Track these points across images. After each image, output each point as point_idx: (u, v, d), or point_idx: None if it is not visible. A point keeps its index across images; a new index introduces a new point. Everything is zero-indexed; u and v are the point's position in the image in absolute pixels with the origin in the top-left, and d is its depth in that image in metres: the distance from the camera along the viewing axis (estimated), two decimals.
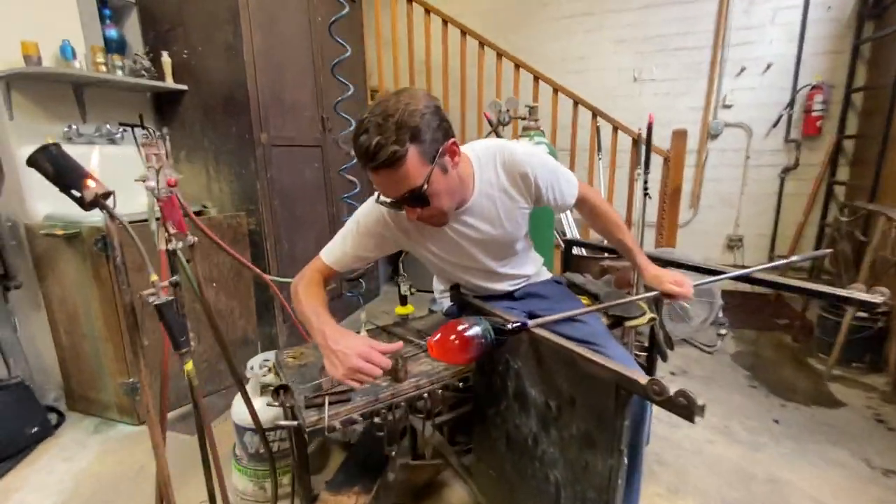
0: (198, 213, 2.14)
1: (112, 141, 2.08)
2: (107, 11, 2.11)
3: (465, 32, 3.01)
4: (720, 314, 2.44)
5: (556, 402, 0.90)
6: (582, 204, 1.20)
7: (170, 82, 2.12)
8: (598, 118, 2.88)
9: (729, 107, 3.29)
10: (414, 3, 3.03)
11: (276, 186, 2.29)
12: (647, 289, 1.16)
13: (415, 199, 0.88)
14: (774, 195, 3.31)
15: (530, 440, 0.99)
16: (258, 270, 1.35)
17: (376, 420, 1.04)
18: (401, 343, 0.87)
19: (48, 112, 1.86)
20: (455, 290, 1.23)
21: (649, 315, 1.47)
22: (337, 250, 1.09)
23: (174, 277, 0.87)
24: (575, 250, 2.17)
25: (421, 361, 1.19)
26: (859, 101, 3.02)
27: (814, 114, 3.09)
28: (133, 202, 2.05)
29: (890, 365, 2.07)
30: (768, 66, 3.18)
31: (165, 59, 2.12)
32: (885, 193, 2.61)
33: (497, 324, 0.87)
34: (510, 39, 3.33)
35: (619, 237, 1.21)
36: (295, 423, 0.98)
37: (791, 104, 3.16)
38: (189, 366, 0.93)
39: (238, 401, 1.52)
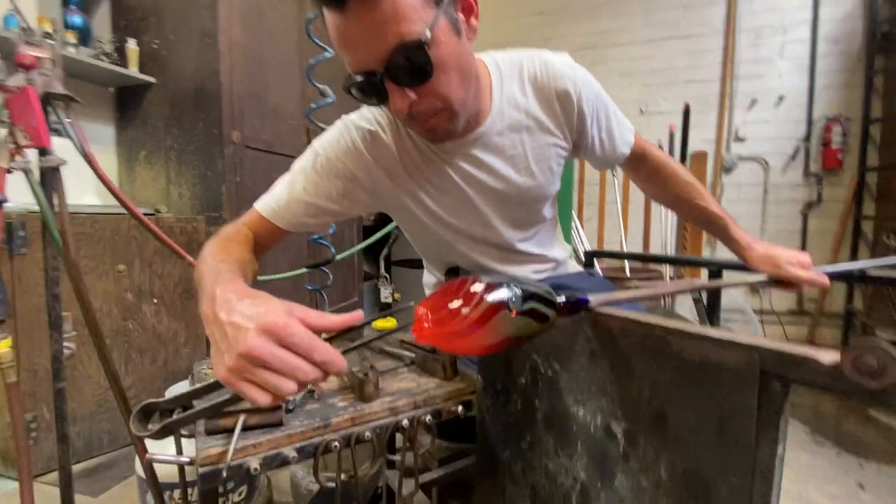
0: (148, 216, 1.81)
1: (56, 132, 1.80)
2: None
3: None
4: None
5: (627, 425, 0.53)
6: (640, 161, 0.86)
7: (134, 71, 1.88)
8: None
9: (742, 140, 3.12)
10: None
11: (246, 194, 1.98)
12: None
13: (408, 69, 0.54)
14: (798, 233, 3.05)
15: (575, 496, 0.60)
16: (185, 254, 1.01)
17: (325, 472, 0.65)
18: (359, 312, 0.48)
19: None
20: (454, 273, 0.87)
21: None
22: (280, 196, 0.72)
23: None
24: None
25: (401, 377, 0.82)
26: (877, 133, 2.86)
27: (833, 146, 2.92)
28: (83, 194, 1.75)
29: None
30: (780, 99, 3.05)
31: (132, 46, 1.90)
32: None
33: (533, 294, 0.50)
34: None
35: (700, 204, 0.85)
36: (184, 459, 0.59)
37: (808, 137, 2.99)
38: (3, 346, 0.56)
39: (149, 444, 1.11)
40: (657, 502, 0.49)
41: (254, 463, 0.58)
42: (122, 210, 1.78)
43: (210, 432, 0.61)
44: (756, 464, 0.41)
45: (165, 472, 0.94)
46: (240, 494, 1.11)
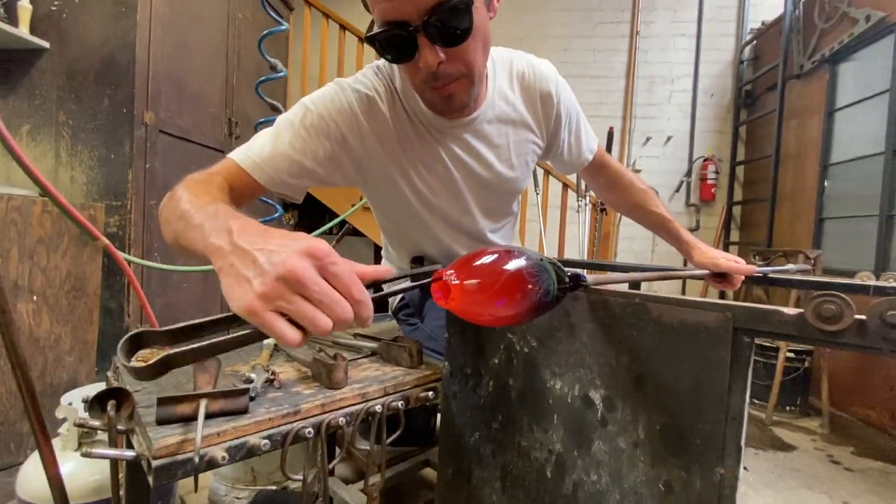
0: (30, 202, 1.53)
1: None
2: None
3: None
4: None
5: (605, 392, 0.57)
6: (600, 169, 0.93)
7: (24, 32, 1.61)
8: None
9: (638, 171, 3.54)
10: (347, 32, 2.90)
11: (157, 182, 1.78)
12: None
13: (448, 27, 0.54)
14: (680, 256, 3.51)
15: (549, 469, 0.63)
16: (100, 234, 0.88)
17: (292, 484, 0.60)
18: (389, 267, 0.44)
19: None
20: (419, 262, 0.87)
21: None
22: (262, 148, 0.64)
23: None
24: None
25: (363, 367, 0.79)
26: (741, 173, 3.45)
27: (708, 182, 3.44)
28: None
29: (823, 404, 2.06)
30: (668, 139, 3.53)
31: (24, 4, 1.63)
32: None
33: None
34: None
35: (654, 210, 0.94)
36: (129, 453, 0.51)
37: (689, 173, 3.50)
38: None
39: (32, 462, 0.93)
40: (635, 460, 0.54)
41: (219, 452, 0.52)
42: None
43: (162, 421, 0.53)
44: (728, 410, 0.47)
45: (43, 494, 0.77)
46: None
